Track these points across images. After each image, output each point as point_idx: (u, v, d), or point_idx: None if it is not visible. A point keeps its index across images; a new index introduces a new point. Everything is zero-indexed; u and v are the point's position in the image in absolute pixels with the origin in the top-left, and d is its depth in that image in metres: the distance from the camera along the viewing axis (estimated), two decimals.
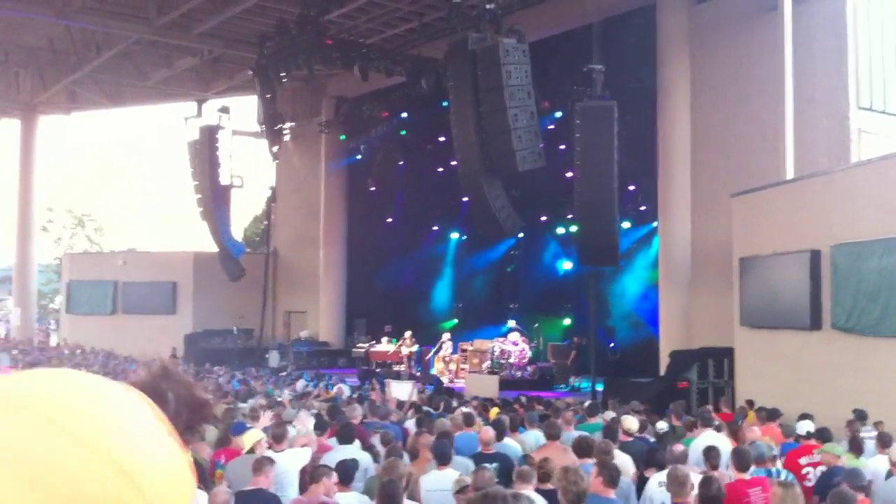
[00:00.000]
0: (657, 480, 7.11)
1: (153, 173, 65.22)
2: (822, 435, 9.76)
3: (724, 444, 9.52)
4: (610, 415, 12.19)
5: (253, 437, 8.17)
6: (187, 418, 0.97)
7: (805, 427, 10.00)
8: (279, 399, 15.46)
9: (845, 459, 8.63)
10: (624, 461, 8.52)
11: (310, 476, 6.69)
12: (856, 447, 9.25)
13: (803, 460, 8.90)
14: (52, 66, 33.61)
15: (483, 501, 1.77)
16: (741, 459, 7.35)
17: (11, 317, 38.33)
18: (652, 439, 10.44)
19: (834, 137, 18.19)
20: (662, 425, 11.09)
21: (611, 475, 6.37)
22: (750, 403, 14.70)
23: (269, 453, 8.11)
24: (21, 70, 35.48)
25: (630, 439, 9.80)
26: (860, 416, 11.60)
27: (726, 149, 20.44)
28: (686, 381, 18.04)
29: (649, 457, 8.33)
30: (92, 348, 33.22)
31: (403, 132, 31.32)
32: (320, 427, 10.06)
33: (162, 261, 36.95)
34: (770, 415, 12.31)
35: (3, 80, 35.85)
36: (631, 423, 10.52)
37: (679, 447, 8.05)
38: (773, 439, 10.08)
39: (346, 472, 7.02)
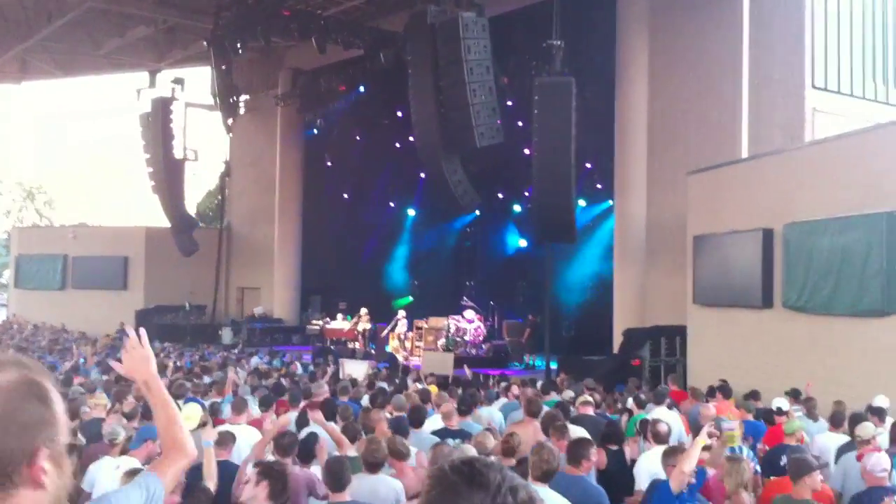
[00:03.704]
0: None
1: (106, 146, 64.08)
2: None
3: (676, 421, 9.54)
4: (569, 394, 12.13)
5: (189, 411, 7.93)
6: None
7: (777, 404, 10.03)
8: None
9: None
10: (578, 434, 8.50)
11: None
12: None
13: None
14: (2, 34, 32.66)
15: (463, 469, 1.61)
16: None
17: None
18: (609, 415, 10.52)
19: (789, 116, 18.23)
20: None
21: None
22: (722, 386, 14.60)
23: (226, 426, 7.99)
24: None
25: (591, 413, 9.81)
26: (794, 394, 11.63)
27: (683, 127, 20.41)
28: (638, 359, 18.12)
29: (609, 430, 8.32)
30: (43, 323, 32.67)
31: (361, 106, 30.91)
32: (265, 404, 9.92)
33: (113, 235, 36.26)
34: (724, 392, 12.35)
35: None
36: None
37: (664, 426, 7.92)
38: (733, 415, 10.04)
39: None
